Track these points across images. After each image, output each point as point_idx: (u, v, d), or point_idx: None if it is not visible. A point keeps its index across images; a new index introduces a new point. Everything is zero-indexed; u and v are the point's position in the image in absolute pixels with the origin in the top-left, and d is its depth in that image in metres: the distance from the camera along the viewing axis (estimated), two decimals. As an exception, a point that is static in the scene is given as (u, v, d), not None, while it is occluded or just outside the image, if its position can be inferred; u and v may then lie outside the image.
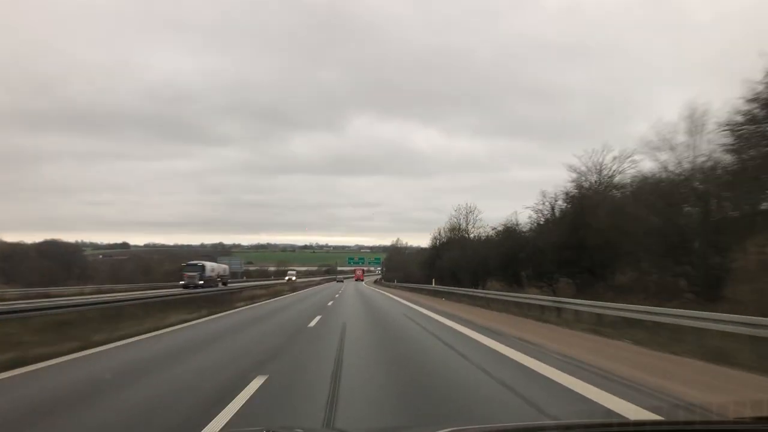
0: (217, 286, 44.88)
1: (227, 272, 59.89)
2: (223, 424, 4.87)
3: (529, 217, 30.97)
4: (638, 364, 8.25)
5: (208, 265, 53.10)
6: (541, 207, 28.99)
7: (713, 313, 10.60)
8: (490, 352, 9.85)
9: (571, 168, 27.79)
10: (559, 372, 7.44)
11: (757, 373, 7.43)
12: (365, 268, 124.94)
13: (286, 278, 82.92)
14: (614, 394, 6.06)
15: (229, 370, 7.92)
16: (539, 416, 5.16)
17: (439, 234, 60.20)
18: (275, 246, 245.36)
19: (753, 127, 15.66)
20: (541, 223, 29.59)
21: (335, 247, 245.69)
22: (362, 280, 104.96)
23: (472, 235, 51.72)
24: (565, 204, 27.06)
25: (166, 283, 51.29)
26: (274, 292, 41.24)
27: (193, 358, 9.51)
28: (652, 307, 12.76)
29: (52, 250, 73.62)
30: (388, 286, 68.97)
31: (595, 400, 5.85)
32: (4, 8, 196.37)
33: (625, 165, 26.55)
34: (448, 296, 33.15)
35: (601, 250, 22.11)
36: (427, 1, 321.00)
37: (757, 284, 14.17)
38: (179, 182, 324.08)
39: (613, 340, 11.33)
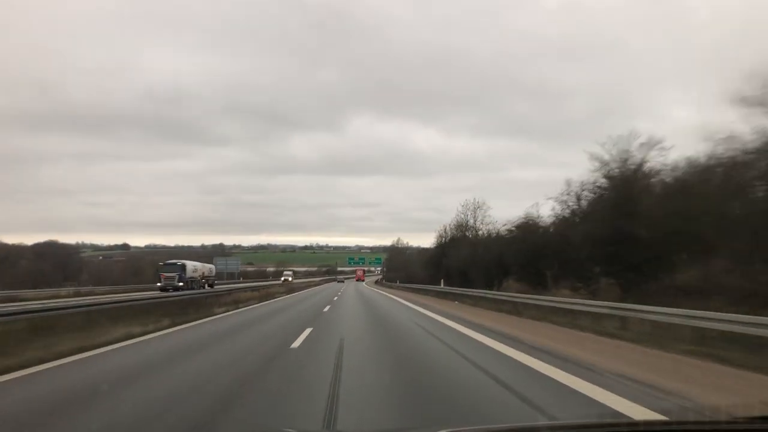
0: (202, 288, 40.92)
1: (213, 273, 55.98)
2: None
3: (552, 209, 26.90)
4: None
5: (190, 264, 48.40)
6: (565, 198, 24.88)
7: None
8: (586, 402, 5.83)
9: (594, 156, 23.54)
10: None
11: None
12: (366, 269, 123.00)
13: (282, 279, 79.90)
14: None
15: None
16: None
17: (445, 232, 56.46)
18: (275, 246, 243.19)
19: None
20: (567, 216, 25.65)
21: (335, 248, 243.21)
22: (363, 281, 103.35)
23: (480, 232, 48.18)
24: (601, 191, 22.94)
25: (152, 285, 47.67)
26: (266, 295, 37.43)
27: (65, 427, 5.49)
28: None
29: (48, 252, 72.42)
30: (390, 287, 64.95)
31: None
32: (3, 9, 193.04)
33: (653, 153, 22.15)
34: (461, 299, 29.16)
35: (654, 243, 18.12)
36: (427, 1, 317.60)
37: None
38: (179, 183, 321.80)
39: (761, 375, 7.25)
